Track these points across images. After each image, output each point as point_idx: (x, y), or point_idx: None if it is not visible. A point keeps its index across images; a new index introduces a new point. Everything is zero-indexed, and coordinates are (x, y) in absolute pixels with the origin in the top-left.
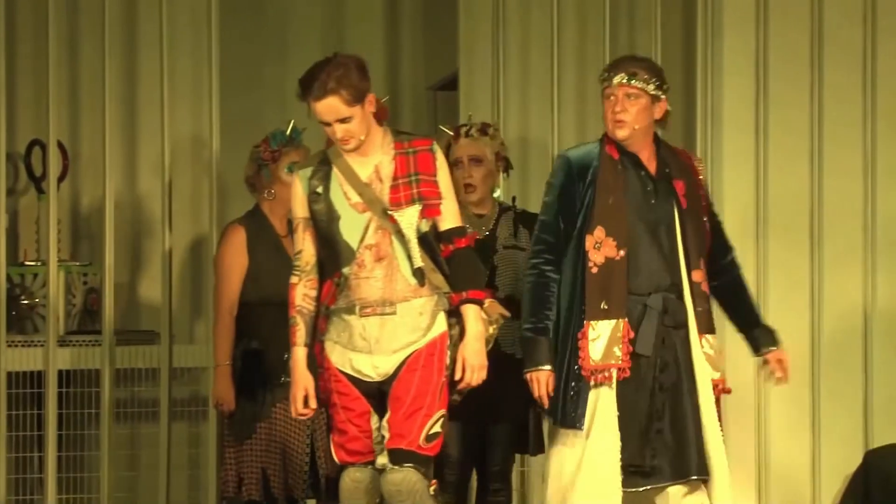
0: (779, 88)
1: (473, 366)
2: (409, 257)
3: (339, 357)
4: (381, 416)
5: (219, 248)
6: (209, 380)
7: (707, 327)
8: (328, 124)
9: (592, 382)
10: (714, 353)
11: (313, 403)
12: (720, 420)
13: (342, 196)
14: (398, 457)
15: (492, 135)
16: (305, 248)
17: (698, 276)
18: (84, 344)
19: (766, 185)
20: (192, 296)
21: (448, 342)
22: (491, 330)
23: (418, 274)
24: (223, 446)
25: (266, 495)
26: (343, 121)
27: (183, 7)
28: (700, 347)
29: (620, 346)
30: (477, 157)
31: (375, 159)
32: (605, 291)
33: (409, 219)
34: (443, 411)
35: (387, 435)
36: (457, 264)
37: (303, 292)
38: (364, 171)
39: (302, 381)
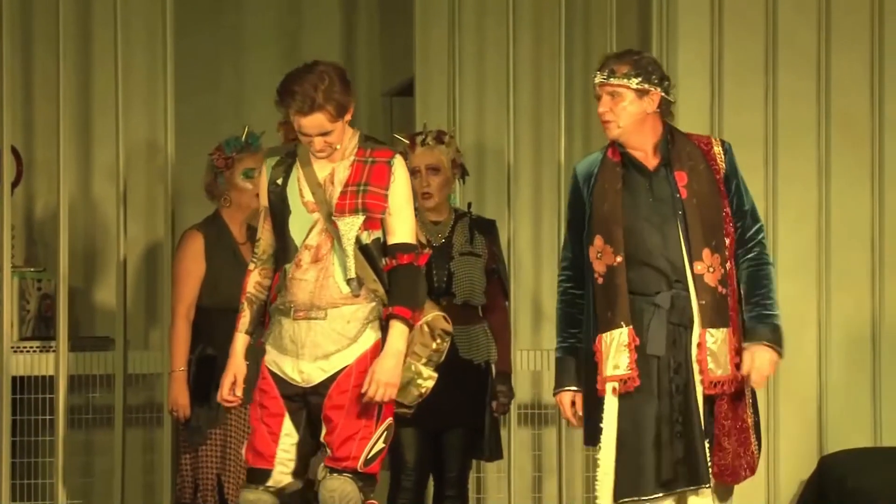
0: (733, 92)
1: (380, 381)
2: (344, 264)
3: (269, 356)
4: (296, 424)
5: (176, 254)
6: (164, 386)
7: (712, 321)
8: (309, 136)
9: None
10: (717, 349)
11: (239, 392)
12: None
13: (297, 192)
14: (337, 472)
15: (447, 142)
16: (264, 237)
17: (700, 267)
18: (38, 350)
19: None
20: (146, 302)
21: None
22: (434, 345)
23: (353, 283)
24: (178, 452)
25: (221, 502)
26: (324, 134)
27: (138, 12)
28: (703, 342)
29: (627, 353)
30: (434, 165)
31: (335, 161)
32: (610, 300)
33: (350, 228)
34: (385, 424)
35: (328, 452)
36: (394, 280)
37: (256, 280)
38: (322, 171)
39: (233, 367)
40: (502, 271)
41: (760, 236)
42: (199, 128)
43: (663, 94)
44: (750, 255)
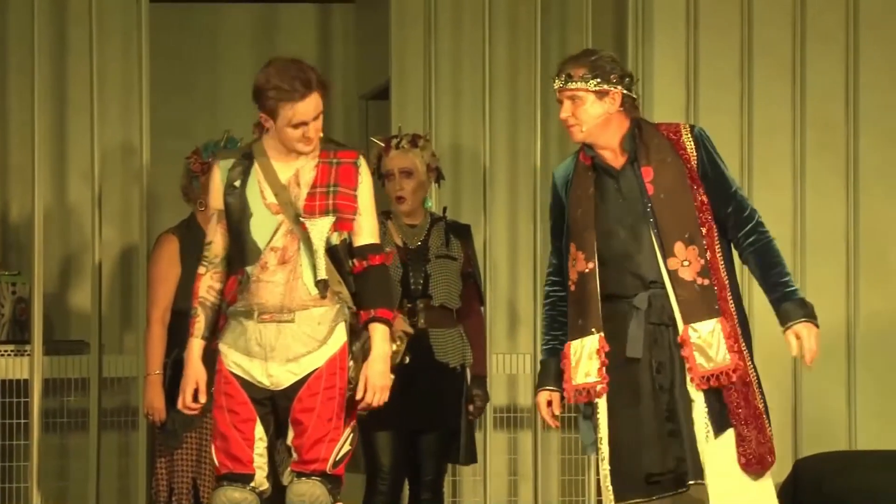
0: (709, 95)
1: (376, 386)
2: (314, 267)
3: (232, 359)
4: (265, 428)
5: (151, 258)
6: (139, 390)
7: (694, 314)
8: (304, 124)
9: (578, 404)
10: (703, 342)
11: (203, 398)
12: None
13: (258, 194)
14: (305, 475)
15: (422, 146)
16: (216, 240)
17: (673, 263)
18: (13, 354)
19: None
20: (121, 305)
21: (349, 356)
22: (394, 347)
23: (321, 285)
24: (154, 456)
25: None
26: (317, 118)
27: (113, 15)
28: (686, 339)
29: (597, 360)
30: (408, 169)
31: (298, 163)
32: (581, 307)
33: (321, 229)
34: (351, 427)
35: (294, 456)
36: (368, 282)
37: (208, 284)
38: (285, 173)
39: (194, 373)
40: (477, 275)
41: (756, 216)
42: (175, 131)
43: (624, 91)
44: (751, 239)
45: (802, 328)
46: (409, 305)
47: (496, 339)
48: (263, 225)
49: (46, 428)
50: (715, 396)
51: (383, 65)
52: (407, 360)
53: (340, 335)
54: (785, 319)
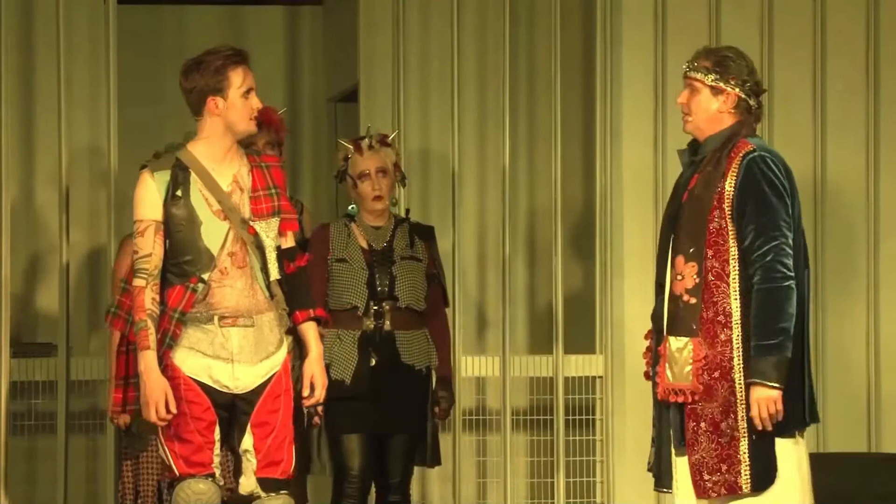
0: (677, 98)
1: (324, 384)
2: (264, 269)
3: (193, 365)
4: (222, 433)
5: (115, 260)
6: (107, 392)
7: (675, 328)
8: (252, 90)
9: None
10: (677, 356)
11: (173, 408)
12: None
13: (203, 201)
14: (272, 485)
15: (392, 145)
16: (156, 251)
17: (672, 274)
18: None
19: (665, 197)
20: (89, 308)
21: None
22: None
23: (273, 286)
24: (121, 459)
25: None
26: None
27: (80, 17)
28: (664, 348)
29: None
30: (383, 168)
31: (233, 169)
32: None
33: (271, 231)
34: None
35: (253, 461)
36: (301, 282)
37: (151, 296)
38: (223, 179)
39: (160, 385)
40: (441, 276)
41: (767, 257)
42: (143, 133)
43: (742, 94)
44: (754, 279)
45: (754, 392)
46: (375, 308)
47: (464, 341)
48: (214, 232)
49: (14, 431)
50: (680, 412)
51: (352, 67)
52: (373, 362)
53: (285, 341)
54: (748, 376)
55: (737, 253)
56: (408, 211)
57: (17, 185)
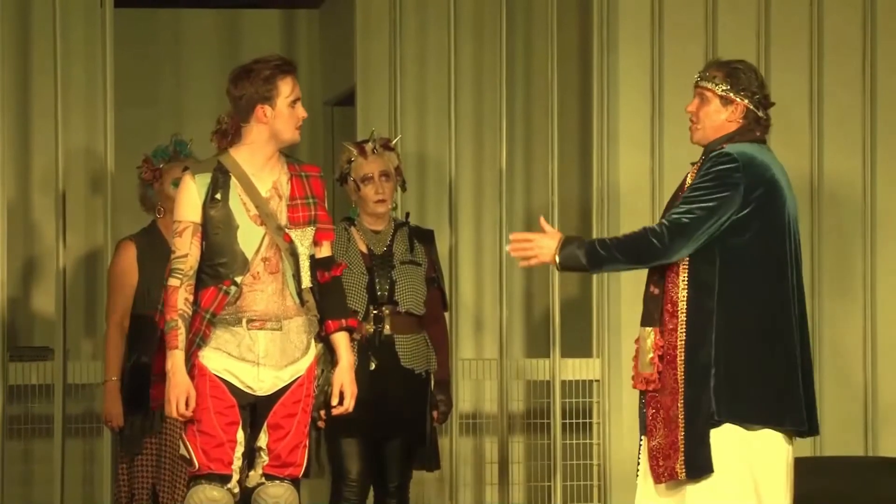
0: (674, 102)
1: (353, 393)
2: (296, 276)
3: (219, 363)
4: (244, 434)
5: (110, 264)
6: (103, 395)
7: (644, 319)
8: (298, 100)
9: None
10: (640, 345)
11: (193, 405)
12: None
13: (241, 206)
14: (279, 479)
15: (394, 149)
16: (192, 252)
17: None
18: None
19: (662, 200)
20: (86, 311)
21: (319, 366)
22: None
23: (305, 293)
24: (117, 462)
25: None
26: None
27: (77, 20)
28: (638, 339)
29: None
30: (386, 171)
31: (273, 176)
32: None
33: (305, 239)
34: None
35: (266, 458)
36: (335, 292)
37: (184, 297)
38: (263, 186)
39: (184, 383)
40: (440, 280)
41: (665, 219)
42: (139, 137)
43: (750, 106)
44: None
45: (550, 240)
46: (374, 312)
47: (462, 345)
48: (250, 236)
49: (10, 434)
50: (644, 399)
51: (348, 71)
52: (372, 366)
53: (313, 347)
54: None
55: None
56: (407, 215)
57: (13, 187)
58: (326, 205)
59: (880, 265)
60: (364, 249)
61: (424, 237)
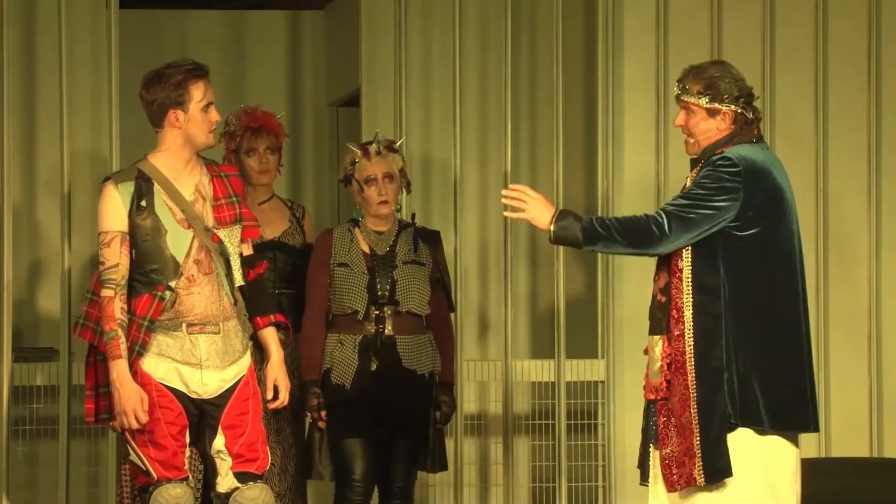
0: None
1: (287, 387)
2: (229, 276)
3: (164, 371)
4: (191, 436)
5: None
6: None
7: (652, 328)
8: (212, 104)
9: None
10: (652, 355)
11: (147, 407)
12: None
13: (167, 211)
14: (248, 478)
15: (399, 151)
16: (122, 261)
17: (654, 275)
18: None
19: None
20: None
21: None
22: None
23: (238, 292)
24: (121, 463)
25: None
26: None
27: (82, 22)
28: (648, 347)
29: None
30: (390, 173)
31: (194, 179)
32: None
33: (234, 237)
34: None
35: (228, 459)
36: (261, 288)
37: (120, 306)
38: (186, 189)
39: (135, 392)
40: (446, 281)
41: (663, 210)
42: (144, 139)
43: (738, 109)
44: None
45: (546, 208)
46: (376, 312)
47: (466, 346)
48: (179, 240)
49: (15, 435)
50: (654, 408)
51: (353, 72)
52: (374, 366)
53: (248, 343)
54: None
55: (690, 249)
56: (413, 216)
57: (19, 190)
58: (248, 202)
59: (885, 268)
60: (366, 249)
61: (430, 238)
